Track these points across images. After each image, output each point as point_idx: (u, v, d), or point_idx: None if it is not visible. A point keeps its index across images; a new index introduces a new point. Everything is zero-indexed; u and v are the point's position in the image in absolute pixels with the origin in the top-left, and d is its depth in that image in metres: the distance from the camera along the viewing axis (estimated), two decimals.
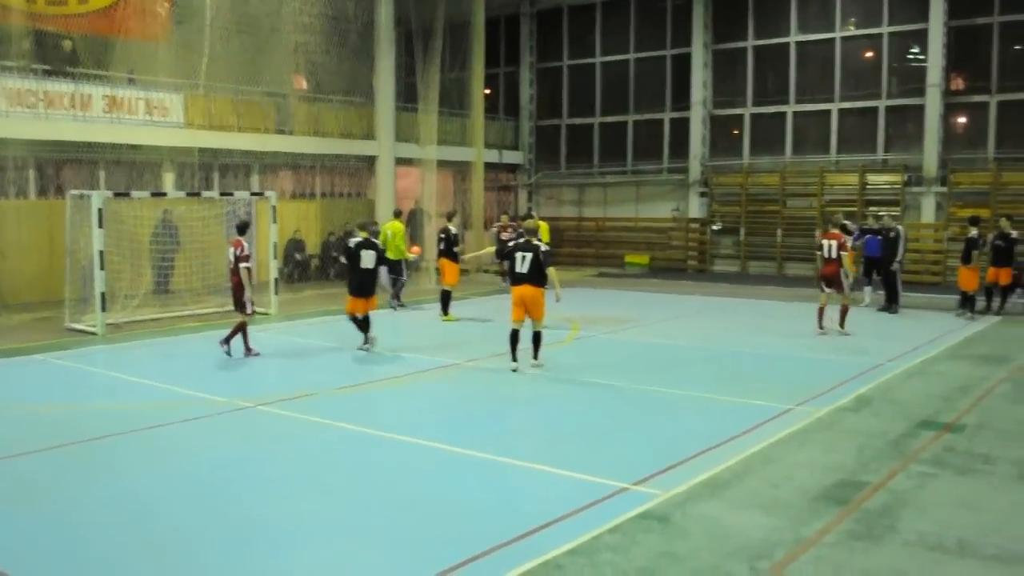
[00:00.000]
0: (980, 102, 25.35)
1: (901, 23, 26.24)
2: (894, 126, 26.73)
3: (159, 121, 21.50)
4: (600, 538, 6.60)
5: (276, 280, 18.96)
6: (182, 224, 19.60)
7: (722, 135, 29.73)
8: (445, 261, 18.60)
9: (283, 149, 24.66)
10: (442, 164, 27.40)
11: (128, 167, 21.52)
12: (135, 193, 17.88)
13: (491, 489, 7.79)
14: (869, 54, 27.04)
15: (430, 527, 6.89)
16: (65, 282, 17.12)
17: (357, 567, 6.28)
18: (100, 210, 15.82)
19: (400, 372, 12.88)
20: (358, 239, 14.31)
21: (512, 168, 33.85)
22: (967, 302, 18.38)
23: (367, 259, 14.11)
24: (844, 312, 16.15)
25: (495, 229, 23.48)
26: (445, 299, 18.26)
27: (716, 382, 12.08)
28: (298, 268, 24.63)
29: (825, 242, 16.09)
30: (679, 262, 29.94)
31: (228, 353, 13.61)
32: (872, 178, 26.43)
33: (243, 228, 13.94)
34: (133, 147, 21.02)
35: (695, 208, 29.71)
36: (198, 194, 19.43)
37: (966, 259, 18.38)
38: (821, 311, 16.23)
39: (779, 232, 27.69)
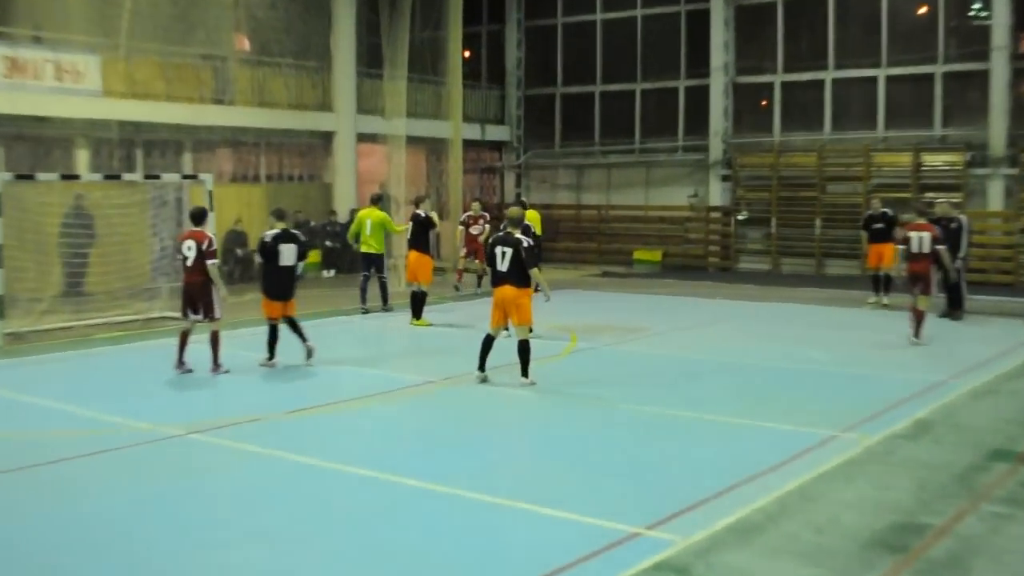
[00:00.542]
0: None
1: None
2: (953, 96, 26.77)
3: (70, 88, 21.31)
4: None
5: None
6: (98, 213, 19.44)
7: (748, 107, 29.73)
8: (416, 255, 18.46)
9: (221, 123, 24.54)
10: (413, 141, 27.30)
11: (33, 143, 21.42)
12: (41, 175, 17.76)
13: (470, 534, 7.70)
14: (923, 10, 27.07)
15: None
16: None
17: None
18: None
19: (361, 392, 12.77)
20: (275, 231, 14.27)
21: (497, 146, 33.82)
22: None
23: (287, 254, 14.04)
24: (922, 318, 16.17)
25: (462, 221, 22.99)
26: (418, 301, 18.13)
27: (743, 404, 12.00)
28: (239, 266, 24.42)
29: (914, 234, 16.21)
30: (698, 259, 29.93)
31: (226, 371, 13.56)
32: (928, 158, 26.46)
33: (201, 216, 13.85)
34: (39, 119, 20.89)
35: (716, 194, 29.71)
36: (118, 177, 19.31)
37: None
38: (918, 314, 16.20)
39: (817, 223, 27.69)
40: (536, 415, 11.72)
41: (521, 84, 33.66)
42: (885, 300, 20.19)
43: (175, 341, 13.75)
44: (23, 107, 20.45)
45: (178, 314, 14.00)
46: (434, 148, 30.14)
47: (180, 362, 13.62)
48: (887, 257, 19.99)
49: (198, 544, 7.47)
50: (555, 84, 33.18)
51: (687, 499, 8.35)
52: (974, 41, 26.20)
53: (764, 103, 29.44)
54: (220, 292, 13.57)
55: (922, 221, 16.46)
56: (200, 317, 13.54)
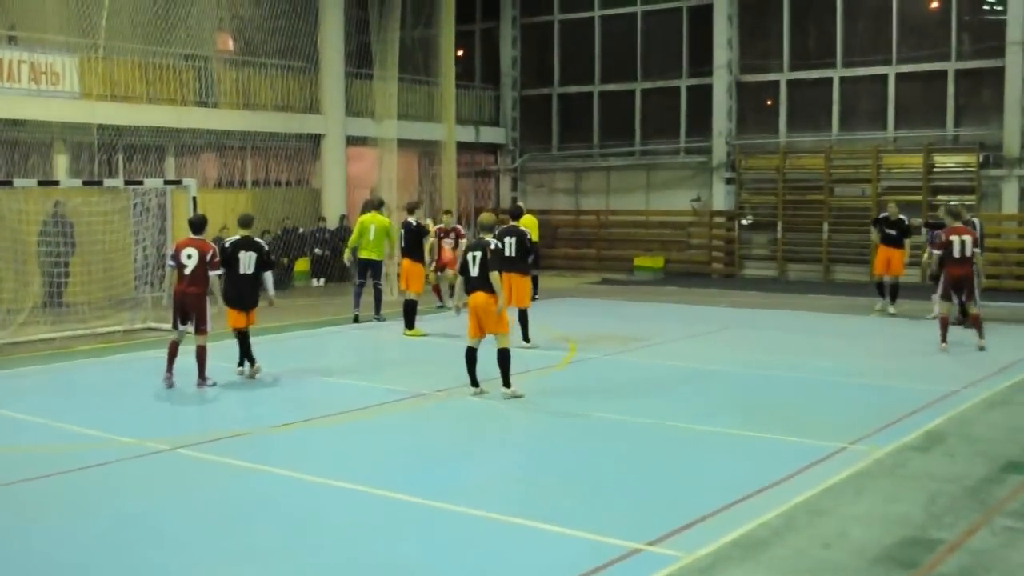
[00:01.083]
0: None
1: None
2: (966, 94, 26.87)
3: (48, 91, 21.36)
4: None
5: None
6: (78, 220, 19.44)
7: (753, 107, 29.81)
8: (408, 263, 18.57)
9: (205, 126, 24.57)
10: (404, 144, 27.31)
11: (8, 148, 21.35)
12: (18, 181, 17.71)
13: (466, 552, 7.71)
14: (935, 4, 27.18)
15: None
16: None
17: None
18: None
19: (352, 405, 12.77)
20: (234, 237, 14.39)
21: (492, 149, 33.83)
22: None
23: (245, 262, 14.06)
24: (979, 322, 16.48)
25: (433, 235, 21.24)
26: (409, 310, 18.18)
27: (748, 415, 12.03)
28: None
29: (955, 238, 16.30)
30: (701, 265, 29.98)
31: (213, 384, 13.57)
32: (940, 159, 26.54)
33: (200, 225, 13.90)
34: (15, 123, 20.88)
35: (720, 198, 29.75)
36: (99, 182, 19.27)
37: None
38: (946, 322, 16.37)
39: (825, 227, 27.74)
40: (533, 428, 11.74)
41: (517, 84, 33.70)
42: (891, 309, 20.24)
43: (160, 353, 13.72)
44: None
45: (163, 325, 14.03)
46: (426, 151, 30.17)
47: (168, 371, 13.52)
48: (895, 264, 20.08)
49: (186, 564, 7.48)
50: (552, 84, 33.22)
51: (690, 514, 8.36)
52: (988, 36, 26.28)
53: (769, 103, 29.50)
54: (216, 305, 13.63)
55: (959, 224, 16.51)
56: (190, 329, 13.54)
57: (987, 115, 26.45)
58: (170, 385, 13.51)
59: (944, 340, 16.30)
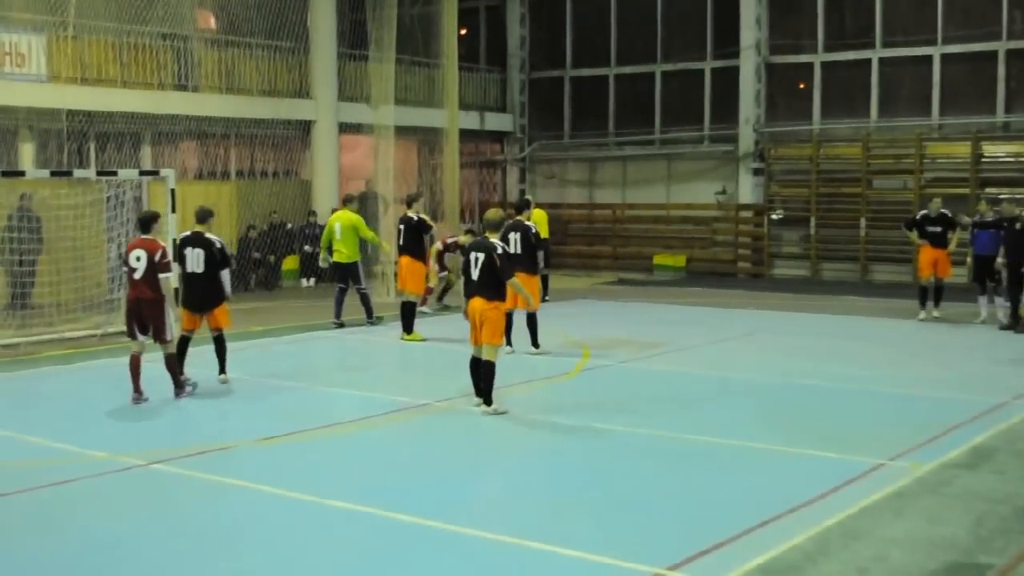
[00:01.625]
0: None
1: None
2: (1018, 77, 26.84)
3: (12, 74, 21.39)
4: None
5: (177, 291, 18.84)
6: (47, 215, 19.50)
7: (783, 91, 29.84)
8: (407, 261, 18.51)
9: (184, 111, 24.60)
10: (402, 132, 27.37)
11: None
12: None
13: None
14: None
15: None
16: None
17: None
18: None
19: (344, 417, 12.80)
20: (185, 234, 14.41)
21: (498, 137, 33.87)
22: None
23: (193, 260, 14.00)
24: None
25: (444, 242, 22.09)
26: (407, 313, 18.17)
27: (777, 428, 12.04)
28: None
29: None
30: (726, 264, 30.03)
31: (194, 386, 13.62)
32: (989, 148, 26.54)
33: (149, 223, 13.66)
34: None
35: (747, 191, 29.79)
36: (68, 173, 19.32)
37: None
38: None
39: (862, 223, 27.76)
40: (543, 442, 11.73)
41: (525, 66, 33.73)
42: (936, 313, 20.20)
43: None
44: None
45: None
46: (427, 140, 30.21)
47: (137, 390, 13.27)
48: (943, 264, 20.01)
49: None
50: (564, 66, 33.24)
51: (714, 536, 8.36)
52: None
53: (802, 86, 29.51)
54: (173, 311, 13.51)
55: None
56: (149, 338, 13.38)
57: None
58: (142, 401, 13.27)
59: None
